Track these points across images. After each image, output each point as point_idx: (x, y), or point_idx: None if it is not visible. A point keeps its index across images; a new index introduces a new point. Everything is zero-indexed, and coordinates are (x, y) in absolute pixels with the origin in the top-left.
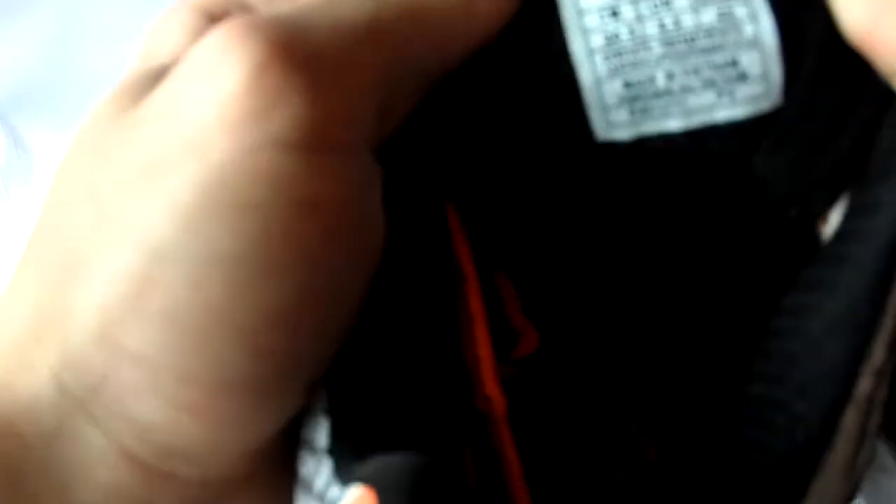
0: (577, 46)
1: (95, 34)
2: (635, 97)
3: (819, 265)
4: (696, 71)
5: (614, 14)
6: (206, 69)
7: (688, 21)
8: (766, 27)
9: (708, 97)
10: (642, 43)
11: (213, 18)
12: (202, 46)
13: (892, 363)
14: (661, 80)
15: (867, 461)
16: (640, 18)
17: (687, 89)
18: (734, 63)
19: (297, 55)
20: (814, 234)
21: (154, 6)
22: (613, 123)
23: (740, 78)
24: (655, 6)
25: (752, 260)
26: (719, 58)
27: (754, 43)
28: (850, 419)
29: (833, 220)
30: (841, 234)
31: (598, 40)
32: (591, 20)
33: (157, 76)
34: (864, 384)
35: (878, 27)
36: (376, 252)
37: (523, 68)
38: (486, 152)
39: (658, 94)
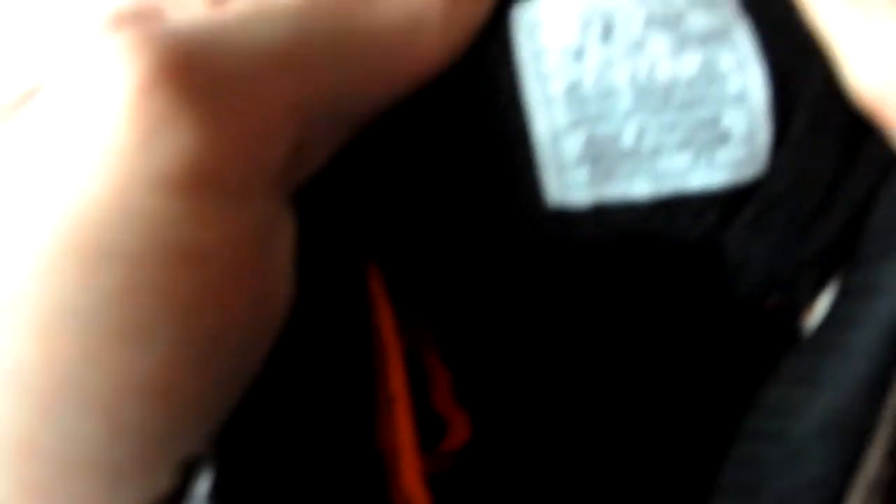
0: (533, 94)
1: None
2: (598, 155)
3: (804, 355)
4: (670, 128)
5: (579, 57)
6: (80, 88)
7: (665, 70)
8: (755, 80)
9: (682, 160)
10: (610, 93)
11: (119, 24)
12: (85, 60)
13: (892, 474)
14: (629, 138)
15: None
16: (608, 63)
17: (659, 149)
18: (716, 121)
19: (192, 77)
20: (795, 327)
21: None
22: (570, 184)
23: (721, 139)
24: (628, 50)
25: (722, 353)
26: (699, 114)
27: (740, 98)
28: None
29: (820, 308)
30: (831, 320)
31: (558, 87)
32: (552, 63)
33: (29, 93)
34: (857, 499)
35: (893, 95)
36: (277, 313)
37: (469, 114)
38: (419, 210)
39: (625, 154)
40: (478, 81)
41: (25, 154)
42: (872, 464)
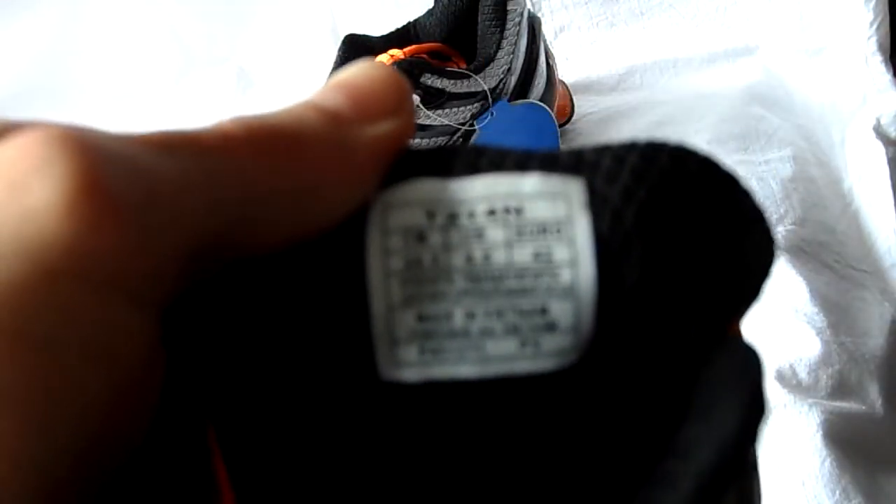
0: (374, 269)
1: (95, 34)
2: (428, 333)
3: None
4: (498, 314)
5: (420, 238)
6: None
7: (499, 257)
8: (585, 275)
9: (509, 345)
10: (444, 273)
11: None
12: (23, 135)
13: None
14: (458, 319)
15: None
16: (446, 246)
17: (487, 333)
18: (543, 311)
19: (117, 187)
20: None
21: (153, 8)
22: (400, 361)
23: (548, 328)
24: (467, 236)
25: None
26: (527, 303)
27: (569, 292)
28: None
29: None
30: (649, 482)
31: (397, 264)
32: (395, 242)
33: None
34: None
35: None
36: (134, 435)
37: (324, 285)
38: (257, 373)
39: (454, 334)
40: (331, 250)
41: None
42: None
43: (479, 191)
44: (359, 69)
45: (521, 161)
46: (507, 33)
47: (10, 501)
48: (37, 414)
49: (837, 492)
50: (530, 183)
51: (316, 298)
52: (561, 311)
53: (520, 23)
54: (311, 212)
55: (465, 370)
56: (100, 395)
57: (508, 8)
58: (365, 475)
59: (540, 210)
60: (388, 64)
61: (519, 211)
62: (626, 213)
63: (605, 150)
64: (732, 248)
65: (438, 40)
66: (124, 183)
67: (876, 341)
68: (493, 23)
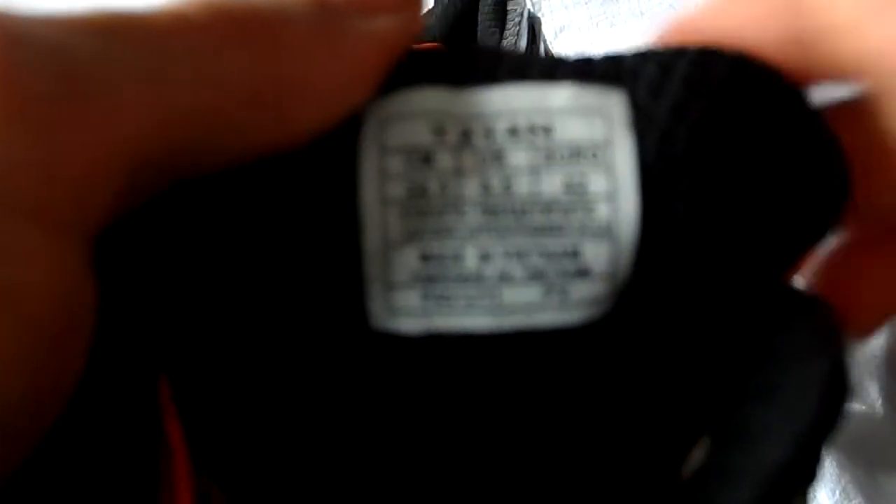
0: (369, 195)
1: None
2: (433, 276)
3: None
4: (519, 255)
5: (426, 160)
6: None
7: (522, 186)
8: (627, 210)
9: (531, 293)
10: (454, 204)
11: None
12: None
13: None
14: (470, 260)
15: None
16: (458, 171)
17: (505, 278)
18: (574, 254)
19: (14, 76)
20: (668, 477)
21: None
22: (398, 308)
23: (579, 273)
24: (483, 159)
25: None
26: (554, 243)
27: (606, 230)
28: None
29: (696, 458)
30: (706, 471)
31: (397, 190)
32: (395, 163)
33: None
34: None
35: None
36: (66, 377)
37: (297, 205)
38: (221, 309)
39: (464, 278)
40: (314, 169)
41: None
42: None
43: (499, 104)
44: None
45: (548, 69)
46: (507, 33)
47: None
48: None
49: (837, 492)
50: (562, 96)
51: (294, 225)
52: (595, 253)
53: (520, 23)
54: (291, 118)
55: (477, 321)
56: (10, 342)
57: (508, 8)
58: (351, 440)
59: (573, 129)
60: None
61: (547, 130)
62: (677, 135)
63: (649, 57)
64: (803, 175)
65: (438, 40)
66: (42, 73)
67: (876, 341)
68: (493, 23)
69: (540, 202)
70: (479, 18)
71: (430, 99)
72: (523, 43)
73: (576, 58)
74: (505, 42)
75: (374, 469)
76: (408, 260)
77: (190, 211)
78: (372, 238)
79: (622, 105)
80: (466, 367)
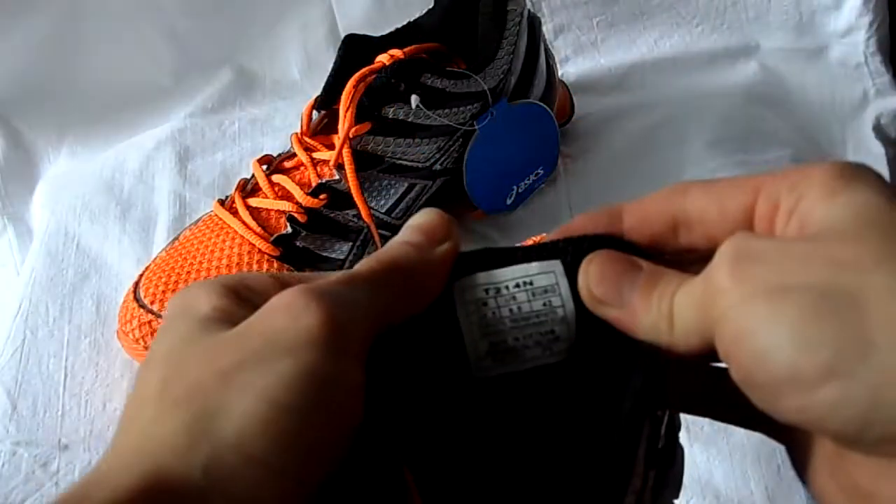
0: (463, 321)
1: (95, 34)
2: (495, 350)
3: None
4: (529, 336)
5: (485, 304)
6: (289, 311)
7: (525, 308)
8: (570, 310)
9: (537, 351)
10: (499, 320)
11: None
12: (283, 295)
13: None
14: (510, 341)
15: None
16: (498, 306)
17: (525, 347)
18: (552, 332)
19: (334, 313)
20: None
21: (152, 8)
22: (483, 368)
23: (555, 340)
24: (507, 300)
25: (593, 450)
26: (543, 328)
27: (563, 320)
28: None
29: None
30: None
31: (475, 318)
32: (471, 307)
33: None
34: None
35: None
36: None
37: (431, 332)
38: (401, 393)
39: (508, 350)
40: (438, 314)
41: (259, 337)
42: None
43: (509, 276)
44: (421, 214)
45: (526, 255)
46: (507, 33)
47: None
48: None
49: None
50: (534, 267)
51: (437, 344)
52: (561, 330)
53: (520, 23)
54: (418, 303)
55: (516, 367)
56: (332, 434)
57: (508, 8)
58: (477, 444)
59: (541, 280)
60: (441, 212)
61: (531, 283)
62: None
63: (567, 241)
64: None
65: (438, 40)
66: (343, 312)
67: None
68: (493, 23)
69: (535, 314)
70: (480, 18)
71: (481, 277)
72: (523, 43)
73: (538, 245)
74: (505, 42)
75: (502, 471)
76: (484, 346)
77: (388, 352)
78: (468, 339)
79: (560, 267)
80: (516, 389)
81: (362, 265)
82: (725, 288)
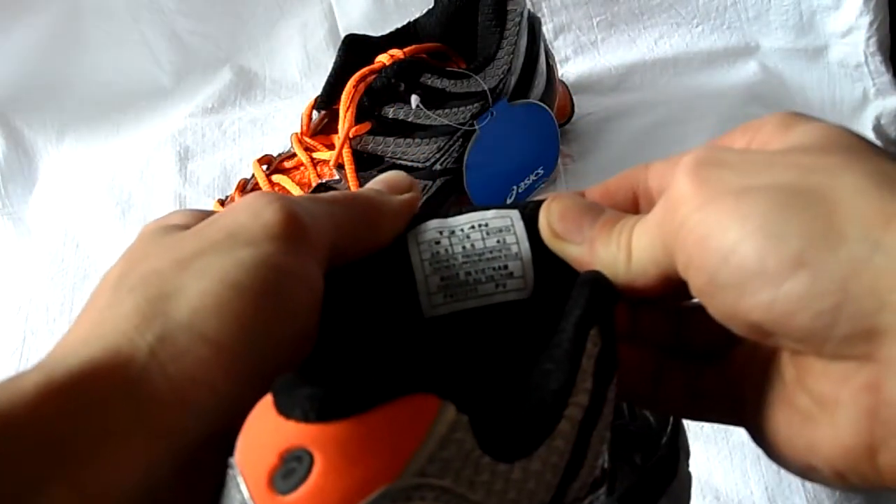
0: (415, 258)
1: (95, 34)
2: (447, 285)
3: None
4: (482, 271)
5: (437, 243)
6: (251, 208)
7: (479, 245)
8: (525, 248)
9: (489, 287)
10: (452, 256)
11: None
12: (247, 196)
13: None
14: (462, 276)
15: None
16: (451, 244)
17: (477, 281)
18: (506, 267)
19: (294, 210)
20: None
21: (152, 9)
22: (435, 304)
23: (509, 276)
24: (460, 239)
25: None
26: (496, 264)
27: (518, 256)
28: None
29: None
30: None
31: (427, 255)
32: (424, 246)
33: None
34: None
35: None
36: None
37: (383, 270)
38: (352, 325)
39: (459, 284)
40: (391, 255)
41: (217, 231)
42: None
43: (464, 220)
44: (386, 174)
45: (485, 207)
46: (507, 33)
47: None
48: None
49: (837, 492)
50: (490, 213)
51: (386, 278)
52: (514, 266)
53: (520, 23)
54: (380, 240)
55: (470, 303)
56: (285, 326)
57: (508, 8)
58: (421, 376)
59: (497, 223)
60: (405, 173)
61: (486, 224)
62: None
63: (529, 201)
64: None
65: (438, 40)
66: (305, 215)
67: None
68: (493, 23)
69: (487, 249)
70: (480, 18)
71: (434, 223)
72: (523, 43)
73: (497, 204)
74: (505, 42)
75: (432, 378)
76: (436, 281)
77: (341, 278)
78: (419, 276)
79: (517, 213)
80: (467, 326)
81: (326, 194)
82: (687, 194)
